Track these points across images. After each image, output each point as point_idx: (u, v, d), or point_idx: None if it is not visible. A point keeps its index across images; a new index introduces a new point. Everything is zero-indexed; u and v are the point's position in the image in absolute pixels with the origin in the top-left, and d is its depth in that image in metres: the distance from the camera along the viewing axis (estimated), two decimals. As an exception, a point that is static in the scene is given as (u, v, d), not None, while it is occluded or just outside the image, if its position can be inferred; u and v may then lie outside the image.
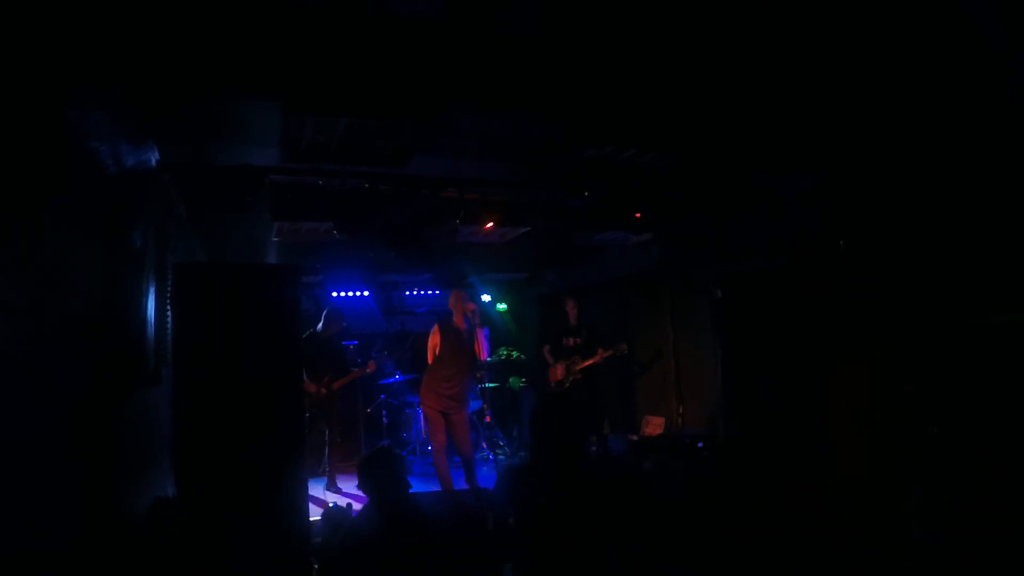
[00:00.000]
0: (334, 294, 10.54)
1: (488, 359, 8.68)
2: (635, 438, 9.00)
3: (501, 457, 9.53)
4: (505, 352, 11.09)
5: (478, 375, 9.53)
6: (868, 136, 4.92)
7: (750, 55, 3.99)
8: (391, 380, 9.79)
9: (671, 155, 5.23)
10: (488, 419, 9.64)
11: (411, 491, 3.77)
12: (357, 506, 5.52)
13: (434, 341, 7.54)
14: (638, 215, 7.02)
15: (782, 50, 3.95)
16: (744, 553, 4.17)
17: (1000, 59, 3.76)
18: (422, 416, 8.67)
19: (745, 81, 4.29)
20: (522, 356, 11.08)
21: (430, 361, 7.56)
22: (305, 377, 7.46)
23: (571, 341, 8.97)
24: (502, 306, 11.80)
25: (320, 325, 8.27)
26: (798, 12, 3.58)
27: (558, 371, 8.96)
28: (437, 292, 11.50)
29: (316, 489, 7.82)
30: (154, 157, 4.47)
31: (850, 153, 5.20)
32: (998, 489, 4.02)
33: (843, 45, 3.89)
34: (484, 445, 9.45)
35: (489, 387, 10.04)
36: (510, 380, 10.89)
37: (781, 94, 4.47)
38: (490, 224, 6.71)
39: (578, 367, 8.77)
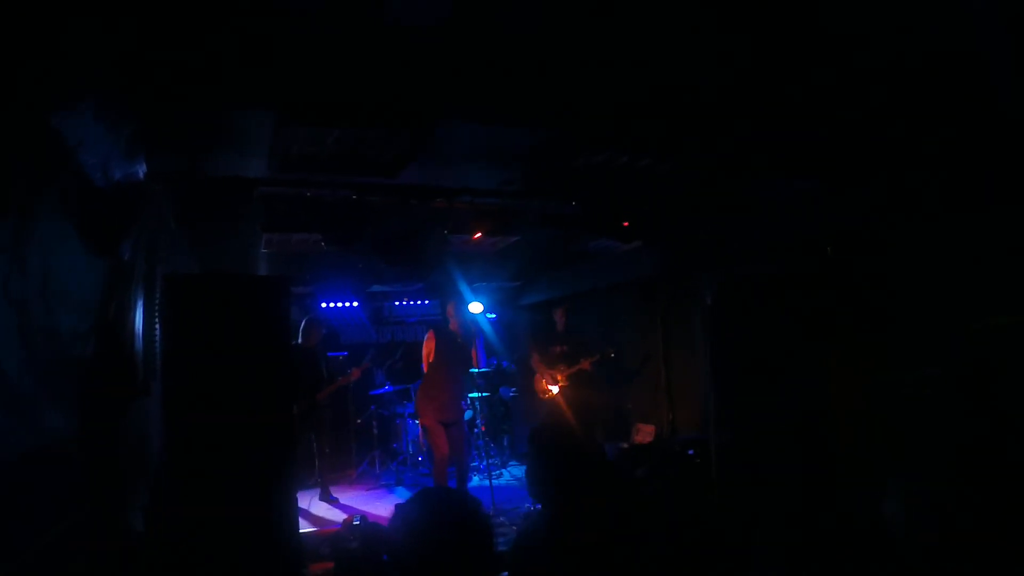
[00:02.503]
0: (324, 305, 10.50)
1: (485, 368, 8.64)
2: (626, 446, 8.99)
3: (495, 467, 9.51)
4: (496, 361, 11.08)
5: (476, 383, 9.51)
6: (863, 139, 4.95)
7: (747, 58, 4.01)
8: (381, 391, 9.75)
9: (665, 161, 5.24)
10: (484, 428, 9.62)
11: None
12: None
13: (428, 348, 7.48)
14: (626, 224, 7.03)
15: (779, 53, 3.96)
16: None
17: (994, 60, 3.79)
18: (419, 429, 8.63)
19: (741, 84, 4.30)
20: (512, 365, 11.07)
21: (424, 368, 7.51)
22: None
23: (558, 349, 8.96)
24: (491, 315, 11.79)
25: (300, 338, 8.16)
26: (795, 14, 3.60)
27: (545, 380, 8.95)
28: (427, 302, 11.48)
29: (310, 500, 7.81)
30: (143, 169, 4.45)
31: (845, 157, 5.22)
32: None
33: (840, 47, 3.91)
34: (474, 454, 9.43)
35: (480, 397, 10.02)
36: (500, 390, 10.87)
37: (777, 98, 4.48)
38: (479, 233, 6.71)
39: (565, 375, 8.77)
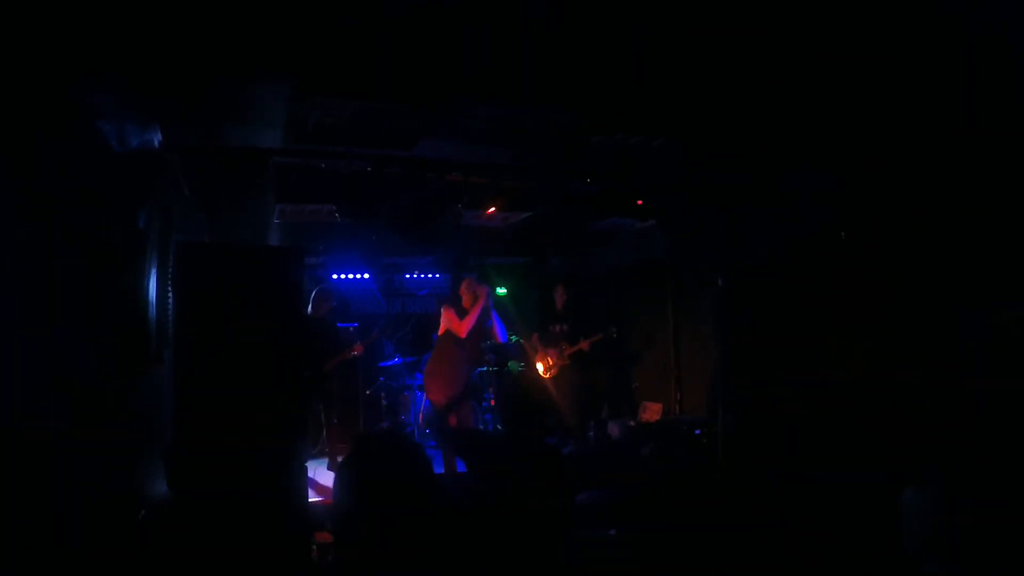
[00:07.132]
0: (335, 276, 10.52)
1: (495, 343, 8.57)
2: (633, 424, 9.02)
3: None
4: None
5: (485, 358, 9.49)
6: (878, 130, 4.90)
7: (760, 45, 3.97)
8: (391, 363, 9.79)
9: (679, 143, 5.22)
10: (493, 402, 9.65)
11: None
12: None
13: (450, 319, 7.33)
14: (640, 202, 7.01)
15: (792, 42, 3.93)
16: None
17: (1011, 52, 3.74)
18: (424, 401, 8.67)
19: (755, 71, 4.27)
20: (522, 340, 11.09)
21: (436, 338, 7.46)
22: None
23: (558, 328, 8.95)
24: (502, 290, 11.78)
25: (310, 307, 8.20)
26: (808, 3, 3.56)
27: (547, 358, 8.94)
28: (438, 275, 11.49)
29: (315, 470, 7.85)
30: (158, 138, 4.45)
31: (859, 147, 5.18)
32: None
33: (851, 38, 3.87)
34: (481, 428, 9.47)
35: (490, 371, 10.05)
36: (509, 364, 10.89)
37: (790, 86, 4.45)
38: (493, 208, 6.69)
39: (565, 353, 8.76)
